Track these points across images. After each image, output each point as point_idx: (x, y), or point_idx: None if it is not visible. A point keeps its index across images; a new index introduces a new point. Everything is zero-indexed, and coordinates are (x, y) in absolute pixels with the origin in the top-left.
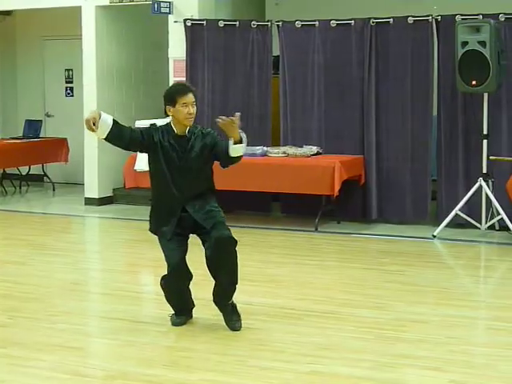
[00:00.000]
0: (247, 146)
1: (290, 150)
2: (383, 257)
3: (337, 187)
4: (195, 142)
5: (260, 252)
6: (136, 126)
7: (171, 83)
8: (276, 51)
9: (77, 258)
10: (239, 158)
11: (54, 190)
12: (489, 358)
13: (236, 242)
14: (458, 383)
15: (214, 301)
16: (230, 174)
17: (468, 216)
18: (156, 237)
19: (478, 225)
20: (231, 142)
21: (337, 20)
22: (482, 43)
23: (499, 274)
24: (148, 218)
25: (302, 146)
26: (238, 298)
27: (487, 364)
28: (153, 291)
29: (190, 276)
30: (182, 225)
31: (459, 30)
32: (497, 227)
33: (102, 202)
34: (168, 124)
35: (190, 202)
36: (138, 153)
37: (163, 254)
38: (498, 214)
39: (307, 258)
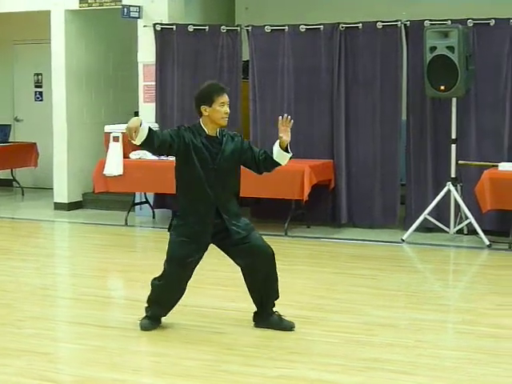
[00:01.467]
0: None
1: None
2: (353, 261)
3: (306, 192)
4: (227, 144)
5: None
6: (105, 130)
7: (140, 88)
8: (246, 56)
9: (45, 262)
10: (279, 165)
11: (23, 194)
12: (457, 362)
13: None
14: None
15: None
16: None
17: (437, 220)
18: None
19: (446, 229)
20: (278, 147)
21: (306, 25)
22: (451, 48)
23: (468, 277)
24: (169, 224)
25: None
26: (206, 302)
27: (456, 367)
28: (122, 296)
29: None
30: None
31: (428, 35)
32: (465, 231)
33: (72, 206)
34: (197, 125)
35: (223, 204)
36: (108, 157)
37: (169, 249)
38: (467, 218)
39: (277, 262)
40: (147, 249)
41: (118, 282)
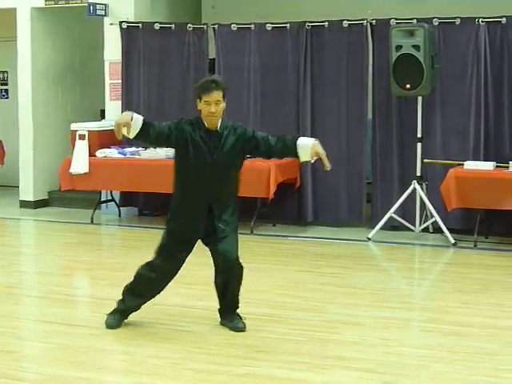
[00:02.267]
0: None
1: None
2: (318, 259)
3: (272, 190)
4: (228, 139)
5: (195, 255)
6: (71, 129)
7: (107, 86)
8: (212, 54)
9: (11, 260)
10: (295, 156)
11: None
12: (422, 360)
13: (242, 267)
14: None
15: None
16: (166, 176)
17: (402, 218)
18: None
19: (412, 227)
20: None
21: (272, 23)
22: (416, 47)
23: (433, 276)
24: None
25: None
26: (173, 300)
27: (420, 365)
28: (88, 294)
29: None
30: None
31: (393, 34)
32: (431, 230)
33: (38, 204)
34: (198, 117)
35: (217, 200)
36: (74, 155)
37: (162, 240)
38: (432, 216)
39: (243, 260)
40: (113, 247)
41: (84, 280)
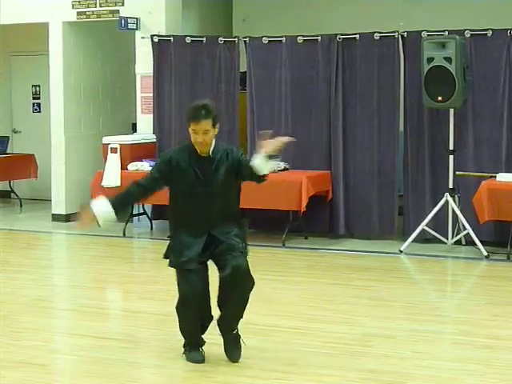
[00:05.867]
0: None
1: None
2: (350, 272)
3: (304, 202)
4: (220, 164)
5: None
6: (103, 142)
7: (138, 99)
8: (243, 67)
9: (42, 274)
10: (263, 176)
11: (21, 206)
12: (454, 373)
13: (252, 279)
14: None
15: (218, 325)
16: None
17: (434, 231)
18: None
19: (444, 240)
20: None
21: (303, 36)
22: (448, 59)
23: (465, 288)
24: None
25: None
26: None
27: (452, 378)
28: (119, 307)
29: (207, 314)
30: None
31: (425, 46)
32: (463, 242)
33: (69, 218)
34: (189, 143)
35: (217, 228)
36: (106, 168)
37: (177, 287)
38: (465, 228)
39: (274, 273)
40: (145, 260)
41: (116, 293)
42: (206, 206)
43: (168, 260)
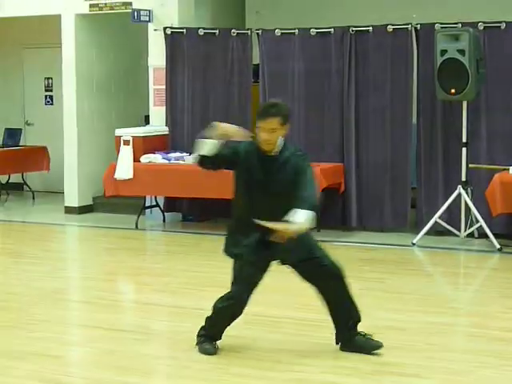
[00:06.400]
0: None
1: None
2: (363, 264)
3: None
4: (286, 165)
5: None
6: (116, 134)
7: (151, 91)
8: (256, 59)
9: (56, 266)
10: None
11: (33, 198)
12: (468, 365)
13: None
14: None
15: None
16: (210, 181)
17: (447, 224)
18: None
19: (457, 232)
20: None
21: (316, 28)
22: (461, 51)
23: (478, 281)
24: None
25: None
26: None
27: (466, 370)
28: (132, 299)
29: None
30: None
31: (438, 39)
32: (476, 235)
33: (82, 210)
34: (254, 143)
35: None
36: (118, 160)
37: (233, 276)
38: (477, 221)
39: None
40: (158, 252)
41: (129, 285)
42: (265, 205)
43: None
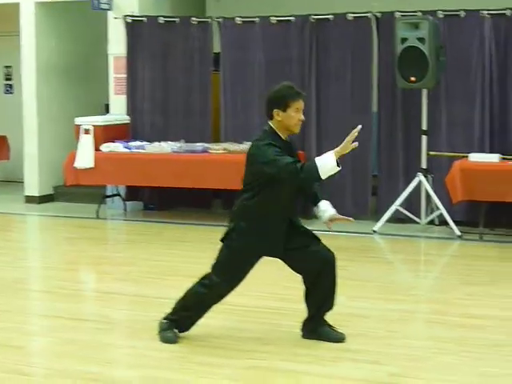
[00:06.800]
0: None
1: (231, 146)
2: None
3: None
4: (295, 147)
5: (201, 248)
6: (76, 123)
7: (111, 80)
8: (217, 48)
9: (16, 256)
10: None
11: None
12: (428, 351)
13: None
14: (397, 376)
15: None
16: (171, 170)
17: (408, 211)
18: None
19: (417, 220)
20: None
21: (277, 16)
22: (421, 39)
23: (438, 268)
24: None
25: (242, 143)
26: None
27: (426, 357)
28: (93, 289)
29: None
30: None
31: (398, 27)
32: (436, 222)
33: (43, 199)
34: (270, 131)
35: (295, 213)
36: (79, 149)
37: (226, 267)
38: (438, 209)
39: None
40: (119, 241)
41: (90, 274)
42: (293, 195)
43: (233, 242)
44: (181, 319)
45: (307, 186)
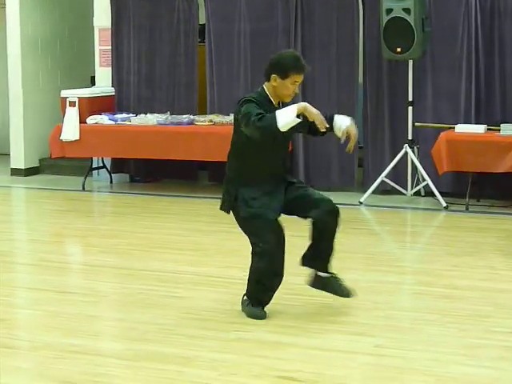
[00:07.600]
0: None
1: (217, 118)
2: (310, 224)
3: None
4: None
5: (187, 220)
6: (62, 95)
7: (97, 52)
8: (202, 19)
9: (2, 228)
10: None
11: None
12: (413, 323)
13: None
14: (383, 347)
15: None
16: (157, 142)
17: (394, 182)
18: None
19: (403, 191)
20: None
21: None
22: (407, 10)
23: (424, 239)
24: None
25: (228, 115)
26: (163, 266)
27: (412, 328)
28: (79, 261)
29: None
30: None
31: None
32: (422, 193)
33: (29, 172)
34: (263, 93)
35: (285, 171)
36: (64, 122)
37: (258, 232)
38: (424, 180)
39: (234, 226)
40: (105, 213)
41: (76, 247)
42: (282, 153)
43: (238, 210)
44: (258, 294)
45: (266, 136)
